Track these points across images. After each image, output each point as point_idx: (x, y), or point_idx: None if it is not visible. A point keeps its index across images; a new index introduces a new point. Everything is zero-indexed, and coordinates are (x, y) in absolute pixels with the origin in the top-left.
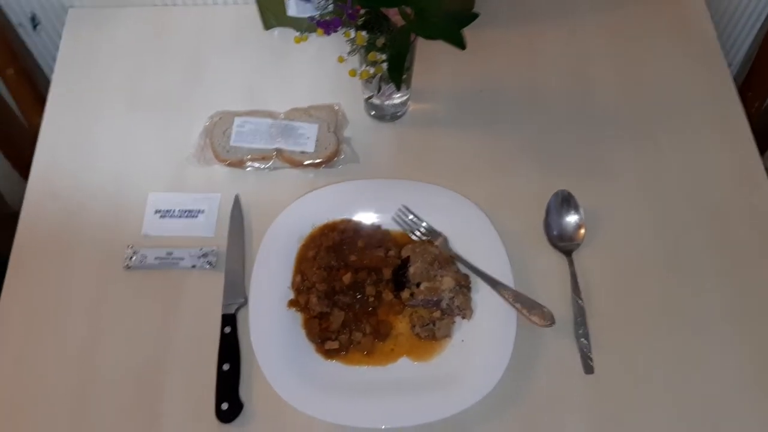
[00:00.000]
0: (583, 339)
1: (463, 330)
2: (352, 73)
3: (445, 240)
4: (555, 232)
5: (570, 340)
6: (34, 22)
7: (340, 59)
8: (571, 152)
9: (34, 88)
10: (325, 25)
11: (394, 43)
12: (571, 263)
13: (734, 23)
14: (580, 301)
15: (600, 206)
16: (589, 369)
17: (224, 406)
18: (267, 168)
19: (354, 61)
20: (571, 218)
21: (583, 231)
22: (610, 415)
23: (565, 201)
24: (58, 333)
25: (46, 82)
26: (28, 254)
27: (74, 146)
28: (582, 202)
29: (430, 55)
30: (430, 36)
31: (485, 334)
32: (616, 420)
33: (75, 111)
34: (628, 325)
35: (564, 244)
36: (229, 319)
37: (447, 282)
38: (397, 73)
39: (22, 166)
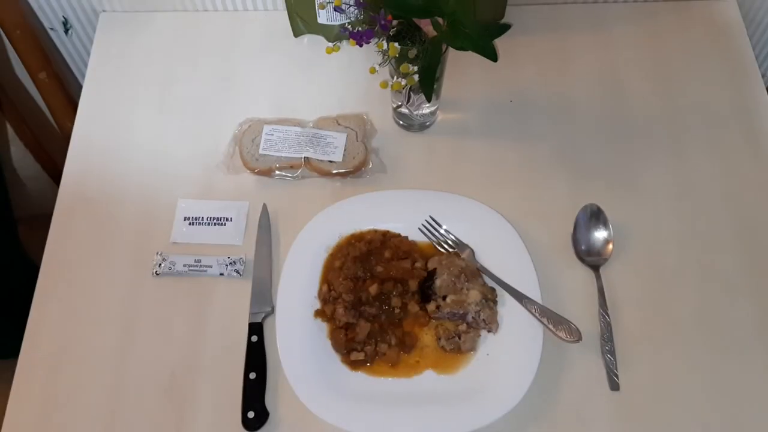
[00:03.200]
0: (609, 355)
1: (488, 343)
2: (383, 85)
3: (472, 252)
4: (583, 247)
5: (596, 355)
6: (66, 26)
7: (372, 70)
8: (600, 165)
9: (66, 92)
10: (358, 36)
11: (426, 54)
12: (598, 278)
13: None
14: (606, 317)
15: (629, 220)
16: (614, 385)
17: (250, 414)
18: (295, 177)
19: (384, 71)
20: (600, 234)
21: (611, 246)
22: None
23: (594, 215)
24: (88, 338)
25: (78, 87)
26: (60, 259)
27: (105, 151)
28: (611, 216)
29: (459, 65)
30: (463, 47)
31: (511, 349)
32: None
33: (106, 116)
34: (654, 342)
35: (592, 259)
36: (256, 328)
37: (473, 295)
38: (429, 84)
39: (54, 170)
